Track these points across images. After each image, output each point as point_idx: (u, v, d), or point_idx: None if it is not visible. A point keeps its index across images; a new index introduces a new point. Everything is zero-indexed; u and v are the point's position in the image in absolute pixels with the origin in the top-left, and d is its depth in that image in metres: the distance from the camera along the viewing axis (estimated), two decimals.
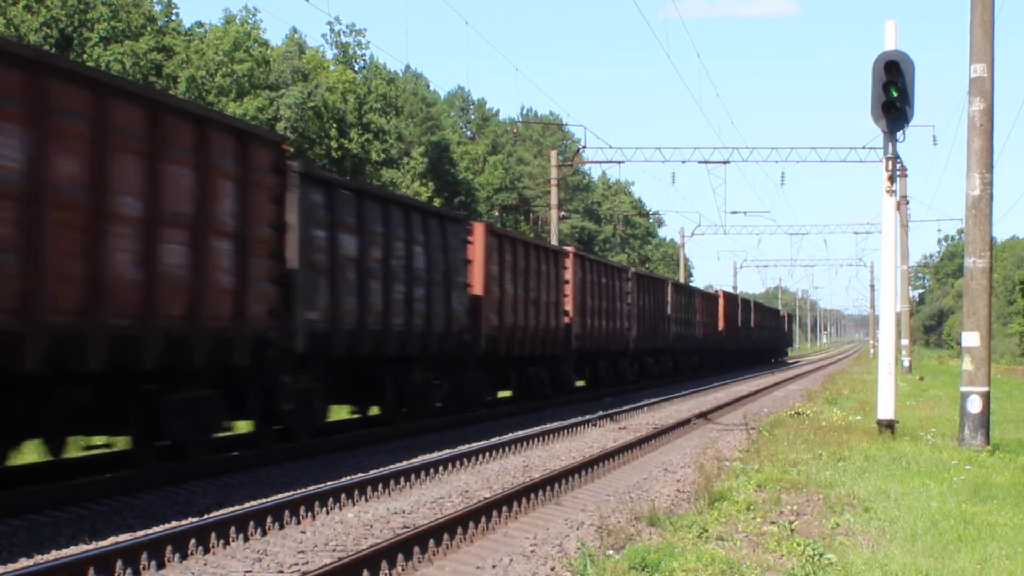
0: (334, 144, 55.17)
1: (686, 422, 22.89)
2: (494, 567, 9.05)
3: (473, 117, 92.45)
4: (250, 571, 8.87)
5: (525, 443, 18.37)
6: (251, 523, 10.30)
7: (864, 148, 42.07)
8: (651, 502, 11.89)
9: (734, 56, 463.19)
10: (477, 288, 22.97)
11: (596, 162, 45.47)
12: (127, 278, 11.78)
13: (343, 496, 12.09)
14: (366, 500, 12.41)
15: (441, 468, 14.78)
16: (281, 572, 8.85)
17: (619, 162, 42.64)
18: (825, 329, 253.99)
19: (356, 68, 60.96)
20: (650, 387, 38.25)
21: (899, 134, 17.72)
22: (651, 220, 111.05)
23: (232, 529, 9.98)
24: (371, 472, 13.77)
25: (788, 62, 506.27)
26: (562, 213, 47.26)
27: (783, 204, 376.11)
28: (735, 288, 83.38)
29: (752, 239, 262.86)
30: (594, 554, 9.00)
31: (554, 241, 39.05)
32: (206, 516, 10.80)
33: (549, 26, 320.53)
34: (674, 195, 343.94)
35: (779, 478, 13.39)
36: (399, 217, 18.96)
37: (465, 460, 15.62)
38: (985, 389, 16.64)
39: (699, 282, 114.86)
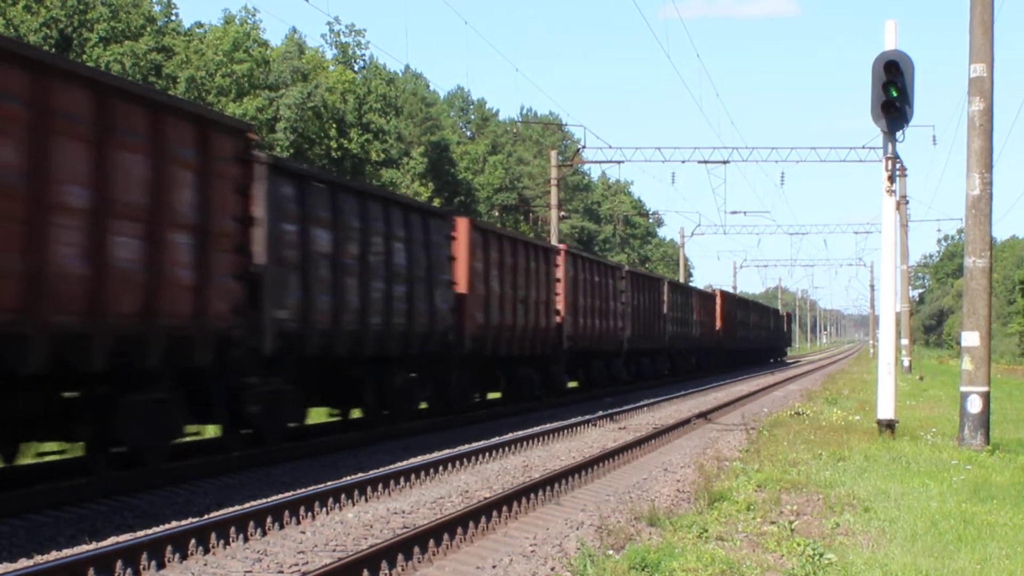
0: (334, 144, 55.18)
1: (686, 422, 22.88)
2: (494, 567, 9.06)
3: (473, 117, 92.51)
4: (250, 571, 8.87)
5: (525, 443, 18.36)
6: (251, 523, 10.30)
7: (864, 148, 42.16)
8: (651, 502, 11.89)
9: (734, 56, 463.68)
10: (462, 286, 22.13)
11: (596, 162, 45.50)
12: (72, 273, 11.03)
13: (343, 496, 12.08)
14: (366, 500, 12.41)
15: (441, 468, 14.76)
16: (281, 572, 8.86)
17: (619, 162, 42.70)
18: (825, 329, 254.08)
19: (356, 68, 60.96)
20: (648, 387, 38.09)
21: (899, 134, 17.74)
22: (651, 220, 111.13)
23: (232, 529, 9.99)
24: (371, 472, 13.76)
25: (788, 62, 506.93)
26: (562, 213, 47.27)
27: (783, 204, 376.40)
28: (735, 288, 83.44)
29: (752, 239, 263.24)
30: (594, 554, 9.00)
31: (554, 241, 38.90)
32: (206, 516, 10.80)
33: (549, 26, 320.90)
34: (674, 195, 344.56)
35: (779, 478, 13.40)
36: (378, 211, 18.18)
37: (465, 460, 15.61)
38: (985, 389, 16.66)
39: (699, 282, 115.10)
